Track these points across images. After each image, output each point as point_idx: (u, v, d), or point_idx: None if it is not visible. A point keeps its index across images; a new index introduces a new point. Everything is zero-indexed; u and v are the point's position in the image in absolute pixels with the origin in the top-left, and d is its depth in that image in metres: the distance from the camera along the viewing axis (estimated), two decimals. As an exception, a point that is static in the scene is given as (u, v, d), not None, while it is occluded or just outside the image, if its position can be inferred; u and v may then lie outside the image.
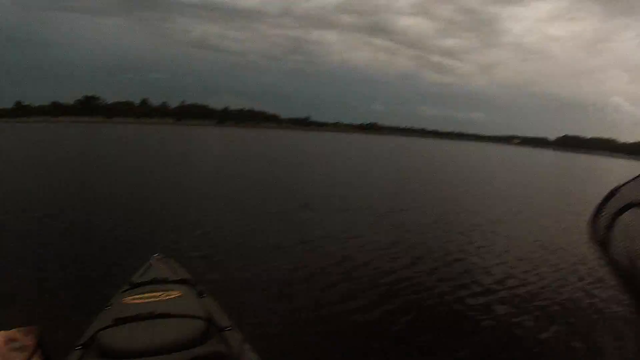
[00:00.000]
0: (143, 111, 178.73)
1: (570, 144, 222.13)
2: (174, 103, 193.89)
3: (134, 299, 2.94)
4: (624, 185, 1.81)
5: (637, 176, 1.79)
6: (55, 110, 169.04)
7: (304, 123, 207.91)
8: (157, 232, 10.19)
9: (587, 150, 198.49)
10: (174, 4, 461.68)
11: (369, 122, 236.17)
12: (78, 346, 2.49)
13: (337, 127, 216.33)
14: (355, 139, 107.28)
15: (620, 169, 61.16)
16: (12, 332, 1.38)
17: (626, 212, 1.72)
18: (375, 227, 12.39)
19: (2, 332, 1.36)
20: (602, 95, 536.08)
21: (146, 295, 2.99)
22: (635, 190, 1.74)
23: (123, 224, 10.97)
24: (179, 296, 2.96)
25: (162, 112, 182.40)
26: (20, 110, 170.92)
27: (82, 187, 16.73)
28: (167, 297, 2.92)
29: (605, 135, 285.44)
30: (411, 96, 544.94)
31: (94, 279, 6.87)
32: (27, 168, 22.08)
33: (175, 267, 3.85)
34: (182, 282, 3.34)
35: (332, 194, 18.30)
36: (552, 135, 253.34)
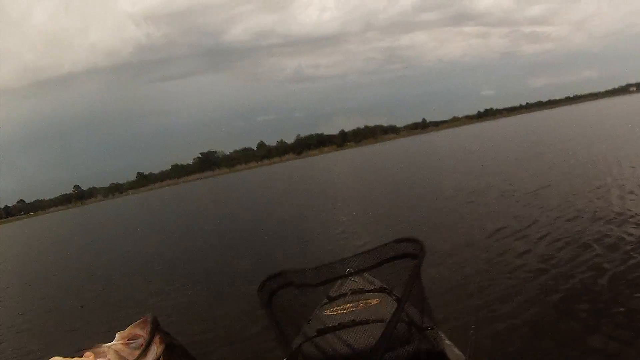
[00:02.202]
0: (262, 153, 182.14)
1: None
2: (289, 139, 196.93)
3: (332, 310, 3.03)
4: (289, 271, 2.47)
5: (303, 269, 2.42)
6: (176, 172, 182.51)
7: (422, 126, 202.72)
8: (341, 252, 9.83)
9: None
10: (258, 49, 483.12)
11: (484, 109, 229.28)
12: (284, 358, 2.63)
13: (455, 121, 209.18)
14: (481, 129, 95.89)
15: None
16: (129, 330, 1.25)
17: (285, 288, 2.47)
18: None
19: (119, 332, 1.25)
20: None
21: (345, 305, 3.05)
22: (294, 276, 2.44)
23: (306, 249, 11.67)
24: (377, 303, 2.96)
25: (281, 150, 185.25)
26: (143, 180, 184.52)
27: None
28: (366, 306, 2.96)
29: None
30: (516, 72, 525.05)
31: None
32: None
33: (369, 278, 3.66)
34: (379, 290, 3.32)
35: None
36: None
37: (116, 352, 1.11)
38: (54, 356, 1.05)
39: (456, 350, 2.67)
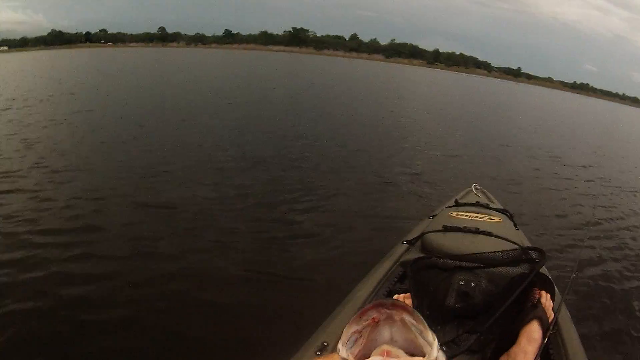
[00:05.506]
0: (352, 46, 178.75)
1: None
2: (383, 40, 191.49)
3: (459, 214, 3.35)
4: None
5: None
6: (264, 39, 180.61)
7: (515, 74, 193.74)
8: (473, 166, 10.81)
9: None
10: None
11: (580, 82, 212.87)
12: (404, 241, 3.10)
13: (548, 82, 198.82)
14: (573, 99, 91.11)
15: None
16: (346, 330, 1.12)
17: None
18: None
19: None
20: None
21: (470, 214, 3.35)
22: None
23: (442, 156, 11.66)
24: (499, 222, 3.22)
25: (371, 49, 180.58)
26: (229, 38, 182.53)
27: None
28: (490, 220, 3.22)
29: None
30: (624, 60, 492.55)
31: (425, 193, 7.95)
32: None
33: (492, 198, 4.36)
34: (502, 211, 3.63)
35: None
36: None
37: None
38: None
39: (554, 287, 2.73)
